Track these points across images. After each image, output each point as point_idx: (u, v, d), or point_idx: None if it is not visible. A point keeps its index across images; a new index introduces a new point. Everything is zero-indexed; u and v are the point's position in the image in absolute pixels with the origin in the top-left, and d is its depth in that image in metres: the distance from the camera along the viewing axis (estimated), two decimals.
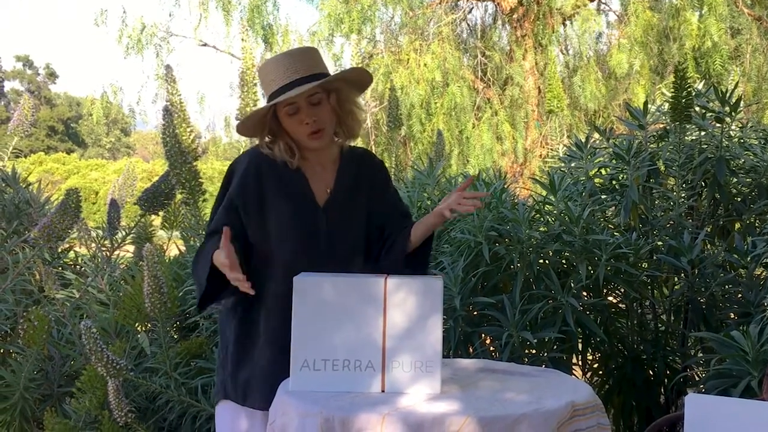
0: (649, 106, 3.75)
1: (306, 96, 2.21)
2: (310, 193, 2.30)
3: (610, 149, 3.72)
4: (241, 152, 4.03)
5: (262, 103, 2.56)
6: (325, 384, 1.94)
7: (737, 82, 3.95)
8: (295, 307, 1.97)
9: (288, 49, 13.54)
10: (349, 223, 2.32)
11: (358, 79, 2.35)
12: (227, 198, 2.28)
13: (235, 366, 2.28)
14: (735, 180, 3.60)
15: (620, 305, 3.54)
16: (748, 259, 3.12)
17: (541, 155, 11.91)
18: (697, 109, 3.60)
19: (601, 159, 3.79)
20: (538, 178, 3.89)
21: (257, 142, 2.35)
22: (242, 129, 2.34)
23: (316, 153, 2.33)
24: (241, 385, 2.25)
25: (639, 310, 3.58)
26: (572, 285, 3.15)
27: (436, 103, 12.32)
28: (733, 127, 3.62)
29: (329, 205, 2.31)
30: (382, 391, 1.94)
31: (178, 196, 3.46)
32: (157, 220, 4.36)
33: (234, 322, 2.30)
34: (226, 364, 2.31)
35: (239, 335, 2.29)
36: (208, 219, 2.38)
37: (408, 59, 12.58)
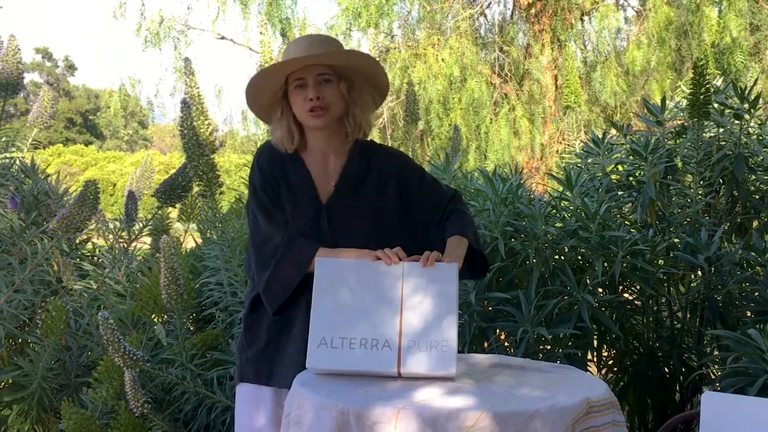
0: (667, 102, 3.73)
1: (315, 73, 2.21)
2: (313, 189, 2.29)
3: (628, 145, 3.71)
4: (258, 146, 4.06)
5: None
6: (342, 362, 1.97)
7: (756, 79, 3.92)
8: (316, 287, 2.02)
9: None
10: (353, 219, 2.27)
11: (369, 72, 2.32)
12: (263, 193, 2.26)
13: (254, 347, 2.29)
14: (753, 177, 3.58)
15: (636, 302, 3.53)
16: (766, 257, 3.11)
17: (558, 151, 11.87)
18: (716, 105, 3.58)
19: (618, 155, 3.78)
20: (554, 173, 3.88)
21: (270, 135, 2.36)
22: (252, 102, 2.32)
23: (322, 142, 2.31)
24: (265, 364, 2.26)
25: (655, 308, 3.57)
26: (588, 281, 3.14)
27: (453, 98, 12.29)
28: (752, 124, 3.60)
29: (332, 202, 2.28)
30: (398, 372, 1.96)
31: (195, 189, 3.47)
32: (174, 213, 4.38)
33: (254, 306, 2.30)
34: (245, 347, 2.32)
35: (258, 318, 2.29)
36: (254, 221, 2.29)
37: (426, 54, 12.56)
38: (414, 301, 1.99)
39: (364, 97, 2.32)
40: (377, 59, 2.35)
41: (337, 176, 2.31)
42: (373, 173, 2.34)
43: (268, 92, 2.28)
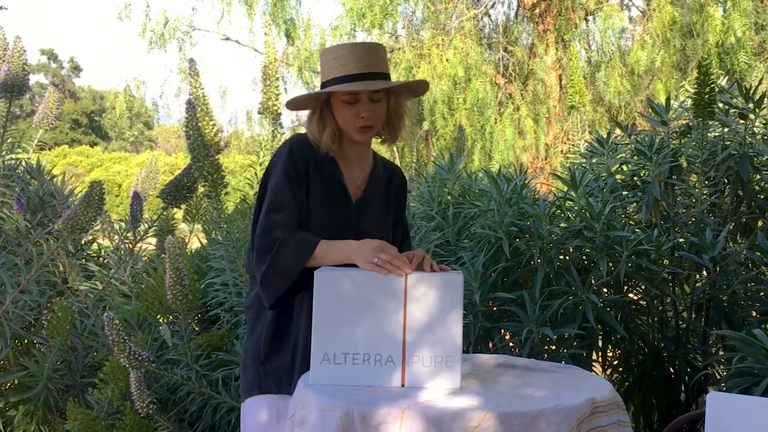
0: (672, 102, 3.72)
1: (370, 91, 2.22)
2: (345, 188, 2.30)
3: (632, 145, 3.70)
4: (262, 146, 4.06)
5: (296, 92, 2.53)
6: (346, 378, 1.95)
7: (761, 79, 3.91)
8: (316, 301, 1.97)
9: (310, 43, 13.54)
10: (378, 223, 2.33)
11: (417, 87, 2.40)
12: (287, 182, 2.23)
13: (275, 359, 2.26)
14: (758, 177, 3.58)
15: (641, 302, 3.52)
16: None
17: (562, 151, 11.86)
18: (721, 105, 3.57)
19: (623, 155, 3.77)
20: (559, 173, 3.88)
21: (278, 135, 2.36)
22: (293, 103, 2.33)
23: (355, 149, 2.33)
24: (286, 375, 2.23)
25: (660, 308, 3.57)
26: (593, 281, 3.14)
27: (458, 98, 12.29)
28: (756, 124, 3.59)
29: (361, 202, 2.32)
30: (402, 385, 1.95)
31: (200, 189, 3.49)
32: (179, 213, 4.39)
33: (268, 314, 2.27)
34: (263, 359, 2.27)
35: (277, 325, 2.27)
36: (261, 203, 2.27)
37: (430, 54, 12.55)
38: (418, 314, 1.95)
39: (404, 109, 2.37)
40: (411, 81, 2.39)
41: (366, 181, 2.36)
42: (391, 191, 2.43)
43: (313, 96, 2.30)
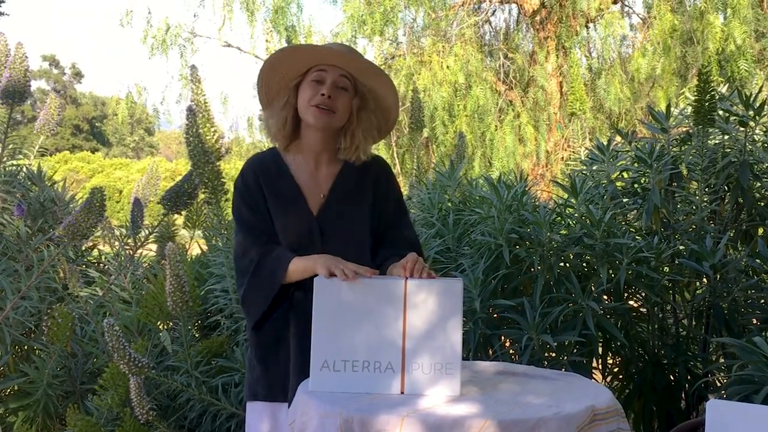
0: (672, 109, 3.72)
1: (337, 74, 2.22)
2: (303, 200, 2.28)
3: (633, 152, 3.70)
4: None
5: None
6: (345, 385, 1.95)
7: (761, 86, 3.91)
8: (315, 308, 1.97)
9: None
10: (347, 230, 2.27)
11: (385, 102, 2.33)
12: (244, 205, 2.27)
13: (264, 366, 2.28)
14: (758, 184, 3.57)
15: (641, 309, 3.52)
16: None
17: (563, 158, 11.86)
18: (721, 112, 3.58)
19: (623, 162, 3.77)
20: (559, 180, 3.88)
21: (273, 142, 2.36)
22: (264, 83, 2.30)
23: (317, 144, 2.29)
24: (278, 381, 2.25)
25: (660, 315, 3.56)
26: (593, 288, 3.14)
27: (458, 105, 12.29)
28: (757, 131, 3.60)
29: (323, 213, 2.28)
30: (402, 392, 1.95)
31: (201, 196, 3.49)
32: (179, 220, 4.39)
33: (255, 325, 2.29)
34: (254, 365, 2.31)
35: (268, 335, 2.28)
36: (235, 229, 2.30)
37: (431, 61, 12.56)
38: (417, 321, 1.95)
39: (371, 121, 2.32)
40: (385, 72, 2.35)
41: (329, 186, 2.31)
42: (364, 185, 2.35)
43: (285, 77, 2.27)
